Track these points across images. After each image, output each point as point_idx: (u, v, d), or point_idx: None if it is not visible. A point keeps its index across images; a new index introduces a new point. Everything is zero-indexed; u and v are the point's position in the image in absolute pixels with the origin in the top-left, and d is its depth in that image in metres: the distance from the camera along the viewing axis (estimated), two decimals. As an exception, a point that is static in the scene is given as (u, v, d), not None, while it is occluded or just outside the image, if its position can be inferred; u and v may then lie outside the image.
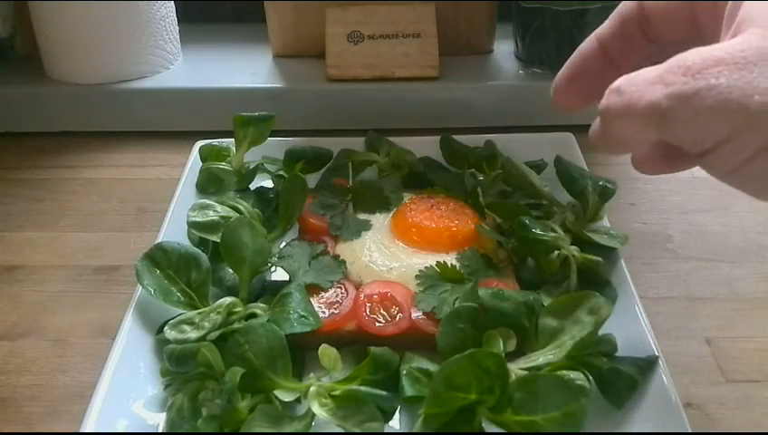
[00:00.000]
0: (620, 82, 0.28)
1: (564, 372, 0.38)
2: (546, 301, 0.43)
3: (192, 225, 0.48)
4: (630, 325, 0.42)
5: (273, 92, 0.68)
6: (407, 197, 0.53)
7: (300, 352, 0.41)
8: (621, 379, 0.38)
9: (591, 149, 0.59)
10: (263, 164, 0.56)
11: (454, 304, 0.42)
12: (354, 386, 0.38)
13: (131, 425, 0.38)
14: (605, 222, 0.51)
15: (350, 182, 0.55)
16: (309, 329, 0.41)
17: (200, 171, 0.56)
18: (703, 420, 0.41)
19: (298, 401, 0.38)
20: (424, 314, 0.43)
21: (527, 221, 0.47)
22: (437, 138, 0.59)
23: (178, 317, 0.42)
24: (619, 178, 0.53)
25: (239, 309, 0.43)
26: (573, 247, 0.46)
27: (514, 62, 0.73)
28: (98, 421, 0.36)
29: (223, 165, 0.55)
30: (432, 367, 0.39)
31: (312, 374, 0.39)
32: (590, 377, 0.39)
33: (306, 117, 0.69)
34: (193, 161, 0.57)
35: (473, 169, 0.56)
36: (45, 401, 0.42)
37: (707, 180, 0.61)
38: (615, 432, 0.38)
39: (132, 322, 0.42)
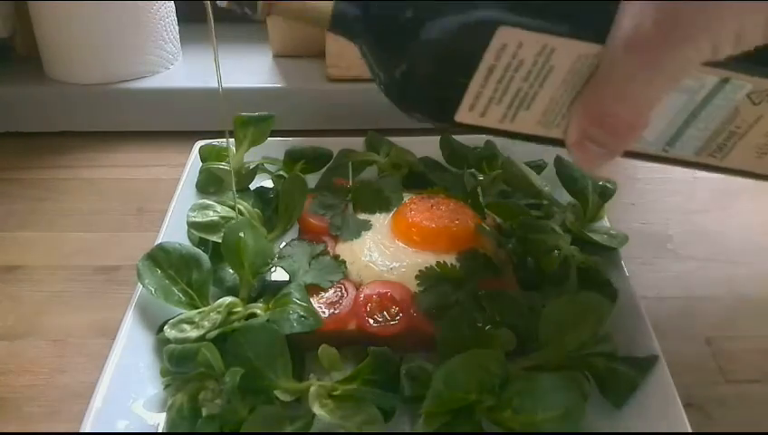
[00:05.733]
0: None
1: (564, 372, 0.38)
2: (546, 301, 0.43)
3: (192, 225, 0.48)
4: (630, 325, 0.42)
5: (273, 92, 0.68)
6: (407, 197, 0.53)
7: (300, 353, 0.41)
8: (621, 379, 0.38)
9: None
10: (263, 164, 0.56)
11: (454, 304, 0.42)
12: (354, 386, 0.38)
13: (131, 425, 0.38)
14: (605, 222, 0.51)
15: (350, 182, 0.55)
16: (309, 329, 0.41)
17: (200, 171, 0.56)
18: (703, 420, 0.41)
19: (298, 400, 0.38)
20: (424, 314, 0.43)
21: (527, 221, 0.47)
22: (437, 138, 0.59)
23: (178, 316, 0.42)
24: (618, 179, 0.53)
25: (239, 309, 0.43)
26: (573, 247, 0.46)
27: (514, 62, 0.73)
28: (98, 421, 0.36)
29: (223, 165, 0.55)
30: (432, 367, 0.39)
31: (312, 374, 0.39)
32: (590, 377, 0.39)
33: (306, 117, 0.69)
34: (193, 161, 0.57)
35: (473, 169, 0.56)
36: (45, 401, 0.42)
37: (707, 180, 0.61)
38: (615, 432, 0.38)
39: (132, 322, 0.42)
